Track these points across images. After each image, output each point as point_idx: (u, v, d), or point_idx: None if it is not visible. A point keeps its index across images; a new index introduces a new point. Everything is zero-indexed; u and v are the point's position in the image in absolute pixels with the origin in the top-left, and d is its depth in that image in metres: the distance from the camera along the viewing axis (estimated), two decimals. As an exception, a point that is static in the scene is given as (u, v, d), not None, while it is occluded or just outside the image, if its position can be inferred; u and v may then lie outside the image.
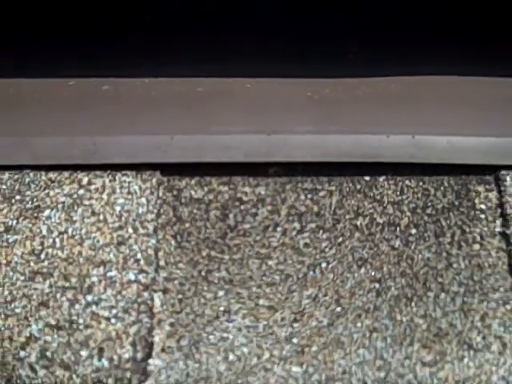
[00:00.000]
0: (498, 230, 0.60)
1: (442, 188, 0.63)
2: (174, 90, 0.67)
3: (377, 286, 0.58)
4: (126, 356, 0.54)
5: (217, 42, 0.71)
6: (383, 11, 0.73)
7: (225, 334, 0.55)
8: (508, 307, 0.56)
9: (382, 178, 0.63)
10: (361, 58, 0.70)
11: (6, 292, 0.57)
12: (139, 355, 0.54)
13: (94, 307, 0.56)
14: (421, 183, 0.63)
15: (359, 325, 0.55)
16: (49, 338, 0.55)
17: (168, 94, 0.67)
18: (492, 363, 0.52)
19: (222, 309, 0.56)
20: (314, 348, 0.54)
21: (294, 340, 0.55)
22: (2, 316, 0.55)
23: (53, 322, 0.55)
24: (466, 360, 0.53)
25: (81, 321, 0.55)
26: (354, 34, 0.72)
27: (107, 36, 0.72)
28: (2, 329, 0.55)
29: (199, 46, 0.71)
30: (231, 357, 0.54)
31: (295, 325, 0.56)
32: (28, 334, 0.55)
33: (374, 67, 0.69)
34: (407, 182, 0.63)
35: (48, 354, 0.54)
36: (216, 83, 0.68)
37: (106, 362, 0.54)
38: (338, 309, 0.56)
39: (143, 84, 0.68)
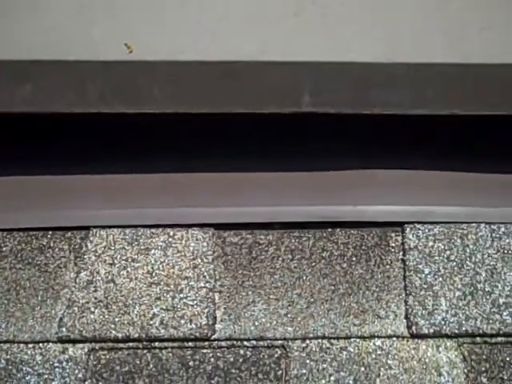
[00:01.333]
0: (400, 257, 1.10)
1: (371, 234, 1.13)
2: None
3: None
4: None
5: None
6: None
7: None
8: (400, 297, 1.05)
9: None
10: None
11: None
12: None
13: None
14: (359, 232, 1.13)
15: (322, 307, 1.05)
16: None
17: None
18: (389, 324, 1.02)
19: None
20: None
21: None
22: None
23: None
24: (376, 323, 1.02)
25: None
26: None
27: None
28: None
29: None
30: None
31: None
32: (148, 315, 1.06)
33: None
34: (352, 231, 1.13)
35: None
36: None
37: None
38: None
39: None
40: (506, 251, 1.08)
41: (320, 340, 1.01)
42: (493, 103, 1.07)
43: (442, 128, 1.19)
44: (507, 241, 1.09)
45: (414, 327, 1.01)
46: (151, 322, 1.02)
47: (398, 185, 1.17)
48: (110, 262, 1.09)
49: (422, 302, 1.03)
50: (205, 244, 1.11)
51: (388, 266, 1.09)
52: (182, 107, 1.09)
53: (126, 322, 1.02)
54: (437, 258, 1.08)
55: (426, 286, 1.05)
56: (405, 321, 1.02)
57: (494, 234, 1.10)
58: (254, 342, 1.02)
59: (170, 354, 1.01)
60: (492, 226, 1.11)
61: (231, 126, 1.19)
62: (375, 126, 1.17)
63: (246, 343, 1.02)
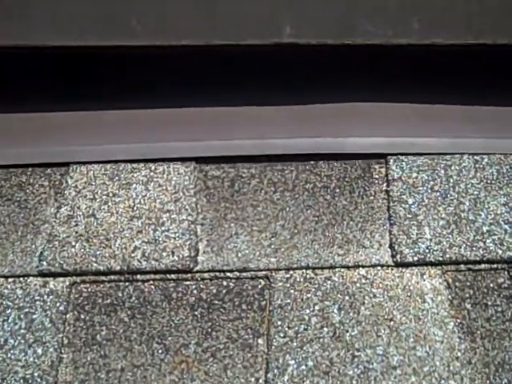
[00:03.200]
0: (384, 188, 1.09)
1: (354, 166, 1.12)
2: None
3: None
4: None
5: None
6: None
7: None
8: (384, 227, 1.04)
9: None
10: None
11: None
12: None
13: None
14: (342, 164, 1.12)
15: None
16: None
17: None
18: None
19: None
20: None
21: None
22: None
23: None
24: (359, 252, 1.02)
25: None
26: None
27: None
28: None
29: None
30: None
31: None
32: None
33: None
34: (335, 163, 1.12)
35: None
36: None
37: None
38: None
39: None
40: (488, 181, 1.08)
41: (304, 270, 1.01)
42: (476, 32, 1.06)
43: (426, 59, 1.18)
44: (490, 171, 1.09)
45: (398, 256, 1.00)
46: (133, 255, 1.01)
47: (381, 117, 1.15)
48: (91, 197, 1.08)
49: (406, 231, 1.02)
50: (186, 178, 1.09)
51: (372, 198, 1.08)
52: (160, 39, 1.07)
53: (107, 255, 1.01)
54: (420, 188, 1.07)
55: (409, 216, 1.04)
56: (389, 250, 1.02)
57: (477, 165, 1.10)
58: (237, 274, 1.01)
59: (153, 287, 1.00)
60: (475, 157, 1.10)
61: (211, 59, 1.17)
62: (358, 58, 1.15)
63: (228, 274, 1.01)
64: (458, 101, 1.14)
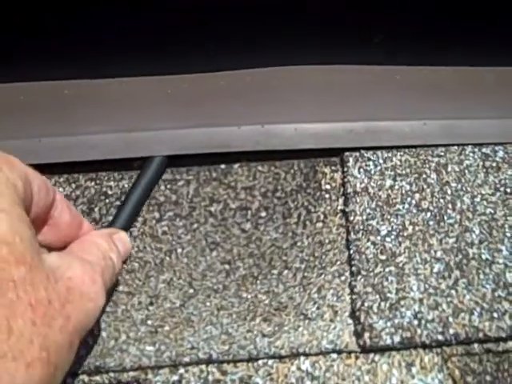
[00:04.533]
0: (339, 208, 0.66)
1: (291, 171, 0.68)
2: (41, 93, 0.72)
3: (227, 267, 0.63)
4: None
5: (77, 45, 0.75)
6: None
7: (86, 320, 0.60)
8: (342, 278, 0.62)
9: (236, 165, 0.68)
10: (219, 52, 0.75)
11: None
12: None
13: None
14: (272, 168, 0.68)
15: (208, 304, 0.61)
16: None
17: (33, 98, 0.72)
18: (323, 329, 0.58)
19: (85, 297, 0.62)
20: (167, 328, 0.60)
21: (149, 322, 0.60)
22: None
23: None
24: (300, 329, 0.59)
25: None
26: (213, 28, 0.77)
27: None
28: None
29: (61, 50, 0.75)
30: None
31: (150, 308, 0.61)
32: None
33: (231, 60, 0.74)
34: (260, 167, 0.68)
35: None
36: (80, 85, 0.72)
37: None
38: (191, 290, 0.62)
39: (10, 88, 0.72)
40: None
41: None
42: None
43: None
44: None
45: (365, 334, 0.58)
46: None
47: (329, 87, 0.72)
48: None
49: (377, 287, 0.60)
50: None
51: (320, 225, 0.65)
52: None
53: None
54: (400, 207, 0.64)
55: (383, 258, 0.61)
56: (350, 322, 0.59)
57: (487, 164, 0.67)
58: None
59: None
60: (485, 150, 0.68)
61: None
62: None
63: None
64: (461, 59, 0.72)
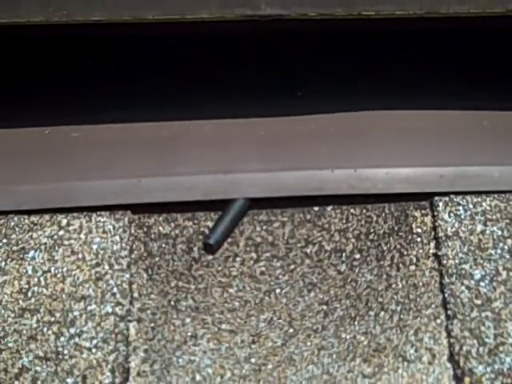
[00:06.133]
0: (431, 251, 0.68)
1: (383, 215, 0.70)
2: (139, 134, 0.75)
3: (324, 307, 0.66)
4: (107, 382, 0.62)
5: (174, 88, 0.79)
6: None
7: (192, 357, 0.63)
8: (438, 321, 0.64)
9: (329, 208, 0.71)
10: (308, 97, 0.78)
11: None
12: (117, 380, 0.62)
13: (76, 339, 0.64)
14: (364, 211, 0.71)
15: (309, 344, 0.63)
16: (38, 369, 0.62)
17: (134, 139, 0.75)
18: (423, 372, 0.60)
19: (189, 334, 0.64)
20: (270, 366, 0.62)
21: (252, 360, 0.63)
22: (-3, 351, 0.63)
23: (41, 354, 0.63)
24: (400, 371, 0.61)
25: (66, 352, 0.63)
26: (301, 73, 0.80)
27: (72, 84, 0.79)
28: (-3, 362, 0.63)
29: (160, 93, 0.78)
30: (198, 377, 0.62)
31: (253, 346, 0.63)
32: (20, 366, 0.63)
33: (320, 104, 0.76)
34: (352, 210, 0.71)
35: (38, 382, 0.62)
36: (177, 126, 0.75)
37: (88, 388, 0.61)
38: (291, 330, 0.64)
39: (110, 129, 0.75)
40: None
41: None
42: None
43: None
44: None
45: (464, 376, 0.60)
46: None
47: (416, 133, 0.74)
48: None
49: (474, 330, 0.61)
50: (117, 239, 0.67)
51: (413, 268, 0.67)
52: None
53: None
54: (492, 252, 0.66)
55: (479, 303, 0.63)
56: (449, 365, 0.61)
57: None
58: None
59: None
60: None
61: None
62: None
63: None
64: None
